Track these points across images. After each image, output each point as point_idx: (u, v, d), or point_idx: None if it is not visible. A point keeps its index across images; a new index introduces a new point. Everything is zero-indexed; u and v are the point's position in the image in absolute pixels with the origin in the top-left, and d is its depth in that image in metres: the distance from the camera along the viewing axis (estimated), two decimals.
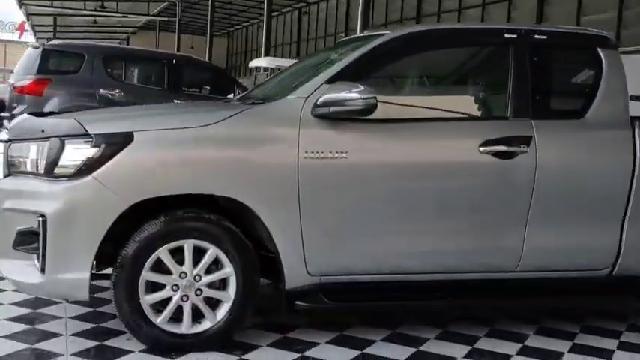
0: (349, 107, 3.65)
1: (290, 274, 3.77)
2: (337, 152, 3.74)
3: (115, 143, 3.54)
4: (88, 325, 4.02)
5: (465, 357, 3.90)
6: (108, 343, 3.75)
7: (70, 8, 26.88)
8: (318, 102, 3.71)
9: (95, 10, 26.84)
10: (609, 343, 4.25)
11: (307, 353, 3.82)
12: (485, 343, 4.11)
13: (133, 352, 3.66)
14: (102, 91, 10.78)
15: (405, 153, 3.88)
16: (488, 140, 3.92)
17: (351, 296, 3.96)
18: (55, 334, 3.83)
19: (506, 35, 4.14)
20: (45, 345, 3.68)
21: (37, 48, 11.13)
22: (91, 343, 3.73)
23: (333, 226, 3.79)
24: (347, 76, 3.83)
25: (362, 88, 3.65)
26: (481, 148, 3.90)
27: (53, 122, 3.81)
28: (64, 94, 10.57)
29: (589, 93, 4.23)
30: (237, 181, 3.65)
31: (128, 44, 42.74)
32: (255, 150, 3.67)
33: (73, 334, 3.87)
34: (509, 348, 4.06)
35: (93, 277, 3.61)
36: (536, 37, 4.19)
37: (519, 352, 4.00)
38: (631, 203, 4.15)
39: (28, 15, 31.21)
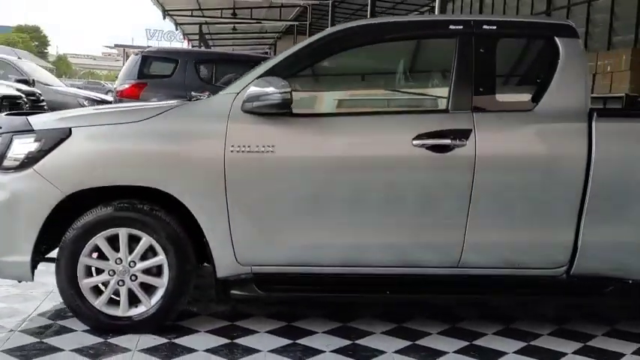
0: (267, 102, 3.75)
1: (220, 264, 3.92)
2: (264, 146, 3.84)
3: (54, 138, 3.85)
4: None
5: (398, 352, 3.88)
6: None
7: (212, 17, 28.30)
8: (244, 97, 3.84)
9: (230, 18, 28.12)
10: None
11: (238, 340, 3.95)
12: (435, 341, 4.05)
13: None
14: (193, 93, 11.28)
15: (333, 147, 3.90)
16: (423, 134, 3.86)
17: (283, 287, 4.03)
18: None
19: (451, 27, 4.04)
20: None
21: (137, 55, 11.91)
22: None
23: (260, 218, 3.89)
24: (280, 72, 3.91)
25: (281, 82, 3.73)
26: (414, 142, 3.84)
27: (9, 120, 4.18)
28: (158, 97, 11.20)
29: (542, 84, 4.04)
30: (164, 173, 3.85)
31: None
32: (183, 144, 3.85)
33: None
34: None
35: (39, 261, 3.94)
36: (485, 27, 4.06)
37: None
38: (587, 200, 3.92)
39: (177, 24, 33.15)
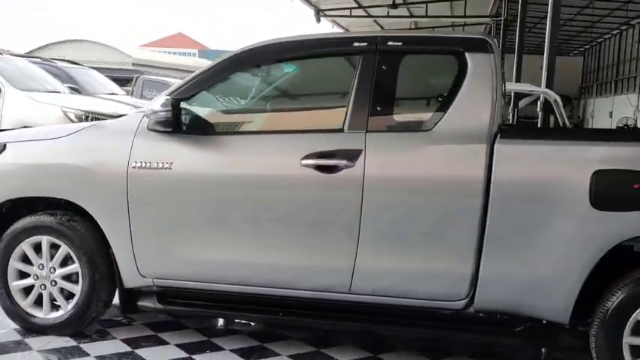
0: (153, 119, 3.89)
1: (126, 276, 4.09)
2: (163, 163, 3.96)
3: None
4: None
5: None
6: None
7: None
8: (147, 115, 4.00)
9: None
10: None
11: (139, 350, 4.08)
12: None
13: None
14: None
15: (226, 166, 3.92)
16: (312, 154, 3.76)
17: (184, 302, 4.10)
18: None
19: (355, 44, 3.90)
20: None
21: None
22: None
23: (158, 232, 4.01)
24: (186, 91, 4.03)
25: (165, 101, 3.85)
26: (303, 162, 3.77)
27: None
28: None
29: (445, 102, 3.76)
30: (75, 186, 4.11)
31: None
32: (92, 159, 4.08)
33: None
34: None
35: None
36: (390, 44, 3.86)
37: None
38: (488, 227, 3.59)
39: (337, 26, 31.96)
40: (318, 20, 23.81)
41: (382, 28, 27.91)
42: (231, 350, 4.13)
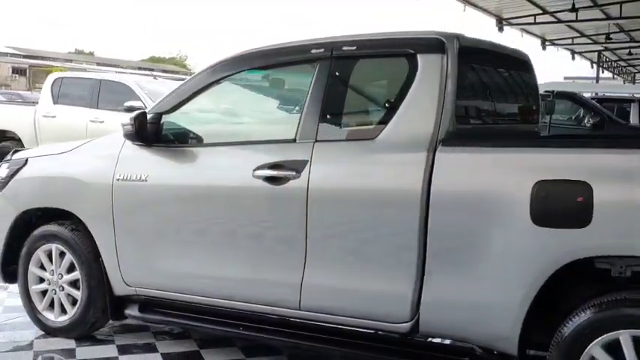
0: (123, 132, 4.03)
1: (114, 283, 4.27)
2: (140, 176, 4.09)
3: (16, 166, 4.66)
4: None
5: None
6: None
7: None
8: None
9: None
10: None
11: (123, 356, 4.23)
12: None
13: None
14: None
15: (189, 178, 3.96)
16: (263, 164, 3.68)
17: (163, 311, 4.17)
18: None
19: (312, 51, 3.75)
20: None
21: None
22: None
23: (137, 243, 4.13)
24: (164, 106, 4.14)
25: (134, 114, 3.98)
26: (255, 173, 3.70)
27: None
28: None
29: (391, 109, 3.48)
30: (72, 198, 4.36)
31: None
32: (86, 172, 4.32)
33: None
34: None
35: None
36: (345, 49, 3.66)
37: None
38: (429, 244, 3.28)
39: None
40: (501, 29, 22.66)
41: (580, 33, 26.19)
42: None
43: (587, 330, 2.96)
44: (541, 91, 9.63)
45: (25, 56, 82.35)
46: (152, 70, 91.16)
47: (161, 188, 4.03)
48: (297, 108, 3.82)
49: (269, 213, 3.69)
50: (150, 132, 4.05)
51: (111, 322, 4.57)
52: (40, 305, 4.59)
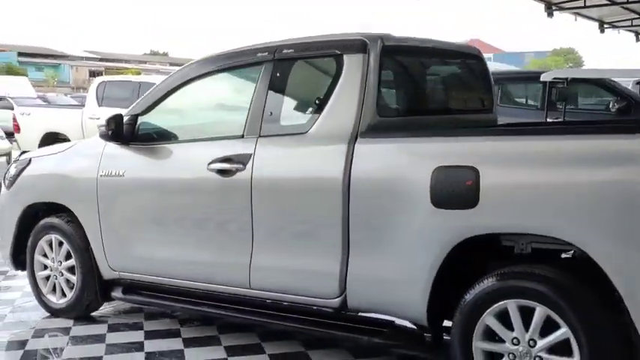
0: (99, 133, 4.52)
1: (102, 269, 4.77)
2: (118, 172, 4.58)
3: (22, 165, 5.22)
4: None
5: None
6: None
7: None
8: None
9: None
10: None
11: (112, 334, 4.72)
12: None
13: None
14: None
15: (156, 172, 4.43)
16: (216, 158, 4.11)
17: (146, 293, 4.65)
18: None
19: (259, 54, 4.15)
20: None
21: None
22: None
23: (118, 232, 4.62)
24: (139, 108, 4.61)
25: (110, 116, 4.46)
26: (209, 166, 4.13)
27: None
28: None
29: (321, 105, 3.84)
30: (65, 192, 4.88)
31: None
32: (76, 169, 4.83)
33: None
34: None
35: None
36: (285, 51, 4.04)
37: None
38: (351, 226, 3.64)
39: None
40: (550, 15, 22.32)
41: (637, 13, 25.45)
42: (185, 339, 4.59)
43: (480, 301, 3.27)
44: (549, 78, 9.76)
45: (101, 59, 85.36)
46: None
47: (134, 182, 4.51)
48: (244, 106, 4.21)
49: (221, 202, 4.11)
50: (126, 132, 4.53)
51: (115, 306, 5.09)
52: (45, 289, 5.14)
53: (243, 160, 3.99)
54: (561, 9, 22.44)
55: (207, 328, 4.75)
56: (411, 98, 4.32)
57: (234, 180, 4.01)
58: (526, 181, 3.15)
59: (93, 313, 5.08)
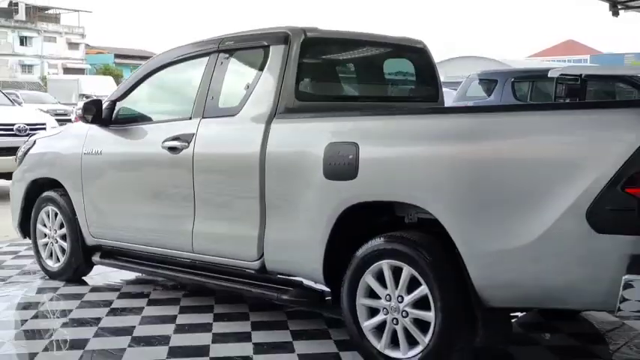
0: (76, 114, 5.16)
1: (85, 236, 5.42)
2: (97, 150, 5.22)
3: (29, 145, 5.96)
4: None
5: None
6: None
7: None
8: None
9: None
10: None
11: (90, 293, 5.36)
12: None
13: None
14: None
15: (123, 150, 5.04)
16: (167, 138, 4.68)
17: (121, 259, 5.26)
18: None
19: (207, 46, 4.70)
20: None
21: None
22: None
23: (95, 203, 5.26)
24: (118, 93, 5.24)
25: (85, 101, 5.10)
26: (163, 144, 4.70)
27: None
28: None
29: (249, 90, 4.34)
30: (57, 169, 5.56)
31: None
32: (66, 149, 5.51)
33: None
34: None
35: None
36: (227, 43, 4.58)
37: None
38: (266, 196, 4.13)
39: None
40: (616, 14, 21.85)
41: None
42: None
43: (362, 262, 3.71)
44: (556, 74, 9.89)
45: None
46: None
47: (108, 159, 5.14)
48: (195, 92, 4.75)
49: (170, 176, 4.68)
50: (105, 116, 5.16)
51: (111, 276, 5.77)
52: (44, 255, 5.84)
53: (187, 138, 4.54)
54: (627, 7, 22.03)
55: (174, 292, 5.31)
56: (334, 85, 4.78)
57: (180, 156, 4.57)
58: (393, 156, 3.59)
59: (86, 277, 5.72)
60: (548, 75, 9.91)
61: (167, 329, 4.43)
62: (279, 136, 4.09)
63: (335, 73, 4.81)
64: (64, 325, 4.60)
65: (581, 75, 9.42)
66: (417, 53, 5.05)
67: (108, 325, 4.56)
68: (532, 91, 11.94)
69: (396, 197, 3.60)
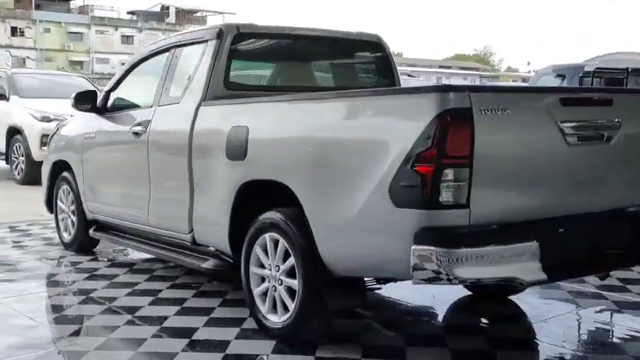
0: (71, 104, 5.85)
1: (85, 211, 6.13)
2: (92, 135, 5.92)
3: (54, 130, 6.78)
4: None
5: None
6: None
7: None
8: None
9: None
10: None
11: (94, 262, 6.06)
12: None
13: None
14: None
15: (105, 134, 5.68)
16: (134, 123, 5.26)
17: (112, 233, 5.90)
18: None
19: (170, 42, 5.24)
20: None
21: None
22: None
23: (89, 181, 5.95)
24: (111, 84, 5.90)
25: (84, 92, 5.80)
26: (130, 129, 5.29)
27: None
28: None
29: (190, 80, 4.82)
30: (68, 152, 6.32)
31: None
32: (73, 132, 6.25)
33: None
34: None
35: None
36: (181, 39, 5.10)
37: None
38: (193, 175, 4.60)
39: None
40: None
41: None
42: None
43: (253, 234, 4.12)
44: (592, 68, 9.60)
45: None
46: (449, 67, 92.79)
47: (96, 141, 5.82)
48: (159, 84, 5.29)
49: (134, 157, 5.26)
50: (100, 105, 5.83)
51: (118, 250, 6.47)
52: (62, 228, 6.62)
53: (145, 125, 5.11)
54: None
55: (175, 270, 5.89)
56: (267, 76, 5.17)
57: (139, 140, 5.14)
58: (270, 138, 3.98)
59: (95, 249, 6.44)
60: (585, 68, 9.71)
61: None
62: (201, 120, 4.56)
63: (269, 65, 5.21)
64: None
65: (627, 69, 9.19)
66: (371, 47, 5.35)
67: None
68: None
69: (272, 176, 3.97)
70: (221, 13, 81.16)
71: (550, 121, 3.37)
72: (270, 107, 4.16)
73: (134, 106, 5.63)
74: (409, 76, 16.50)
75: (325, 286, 3.73)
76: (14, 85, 12.29)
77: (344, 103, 3.65)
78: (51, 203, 6.80)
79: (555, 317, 4.52)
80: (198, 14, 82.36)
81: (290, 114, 3.97)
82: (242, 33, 4.75)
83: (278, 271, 3.95)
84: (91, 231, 6.10)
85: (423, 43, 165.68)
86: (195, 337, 4.10)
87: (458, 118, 3.07)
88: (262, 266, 4.10)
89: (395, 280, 3.88)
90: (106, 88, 5.90)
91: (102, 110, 5.83)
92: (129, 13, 79.27)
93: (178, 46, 5.13)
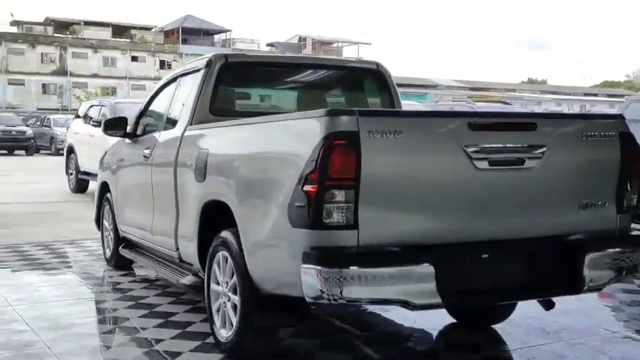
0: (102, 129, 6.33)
1: (118, 229, 6.57)
2: (122, 158, 6.37)
3: (104, 154, 7.33)
4: None
5: None
6: None
7: None
8: None
9: None
10: None
11: (128, 276, 6.49)
12: None
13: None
14: None
15: (128, 158, 6.09)
16: (146, 147, 5.64)
17: (133, 249, 6.30)
18: None
19: (178, 71, 5.60)
20: None
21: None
22: None
23: (119, 200, 6.39)
24: (142, 109, 6.33)
25: (116, 118, 6.28)
26: (143, 152, 5.67)
27: None
28: None
29: (184, 106, 5.13)
30: (107, 171, 6.81)
31: None
32: (111, 156, 6.74)
33: None
34: None
35: None
36: (183, 71, 5.45)
37: None
38: (177, 195, 4.87)
39: None
40: None
41: None
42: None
43: (211, 252, 4.32)
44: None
45: (470, 88, 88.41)
46: (596, 95, 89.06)
47: (124, 164, 6.25)
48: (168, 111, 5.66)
49: (143, 178, 5.62)
50: (130, 130, 6.27)
51: None
52: (105, 244, 7.11)
53: (152, 148, 5.47)
54: None
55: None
56: (253, 103, 5.37)
57: (147, 162, 5.51)
58: (218, 161, 4.22)
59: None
60: None
61: None
62: (184, 144, 4.84)
63: (256, 93, 5.43)
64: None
65: None
66: (369, 73, 5.46)
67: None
68: None
69: (219, 197, 4.17)
70: (356, 43, 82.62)
71: (454, 145, 3.35)
72: (223, 132, 4.39)
73: (151, 131, 6.02)
74: (505, 103, 16.14)
75: (254, 303, 3.86)
76: (115, 113, 13.20)
77: (260, 126, 3.82)
78: (99, 221, 7.32)
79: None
80: (334, 45, 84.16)
81: (232, 138, 4.18)
82: (230, 62, 5.00)
83: (226, 289, 4.13)
84: (120, 248, 6.52)
85: (568, 71, 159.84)
86: (158, 347, 4.35)
87: (343, 140, 3.15)
88: (218, 283, 4.29)
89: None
90: (136, 115, 6.33)
91: (131, 135, 6.26)
92: (268, 45, 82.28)
93: (182, 75, 5.46)
